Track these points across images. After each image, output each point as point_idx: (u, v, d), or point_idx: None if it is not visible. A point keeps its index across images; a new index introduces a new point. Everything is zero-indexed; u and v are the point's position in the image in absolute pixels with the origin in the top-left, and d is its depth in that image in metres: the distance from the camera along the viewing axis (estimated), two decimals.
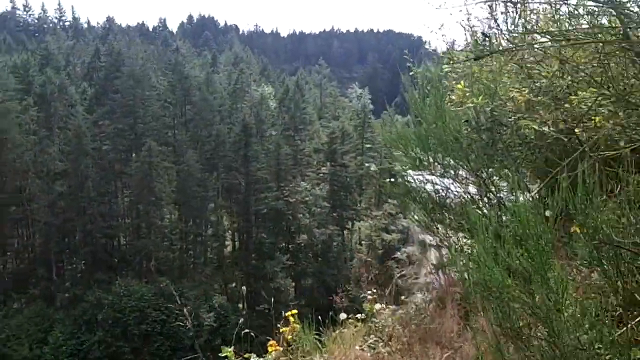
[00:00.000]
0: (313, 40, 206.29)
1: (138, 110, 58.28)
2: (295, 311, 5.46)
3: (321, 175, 67.65)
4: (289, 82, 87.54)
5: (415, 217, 7.13)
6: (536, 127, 4.75)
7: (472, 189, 6.46)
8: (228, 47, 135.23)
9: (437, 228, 6.78)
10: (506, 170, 6.03)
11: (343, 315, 6.07)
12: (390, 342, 5.54)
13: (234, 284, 57.84)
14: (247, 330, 5.74)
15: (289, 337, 5.26)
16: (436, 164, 6.61)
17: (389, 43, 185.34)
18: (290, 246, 60.62)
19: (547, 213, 4.38)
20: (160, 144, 57.23)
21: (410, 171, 7.01)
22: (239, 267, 57.65)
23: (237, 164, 58.90)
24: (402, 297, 7.03)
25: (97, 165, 54.61)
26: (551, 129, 4.72)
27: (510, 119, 5.30)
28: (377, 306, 6.03)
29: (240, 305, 56.17)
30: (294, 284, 57.15)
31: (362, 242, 69.02)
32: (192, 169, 55.24)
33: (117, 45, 77.89)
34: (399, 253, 65.33)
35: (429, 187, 6.89)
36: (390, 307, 6.61)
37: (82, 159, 52.18)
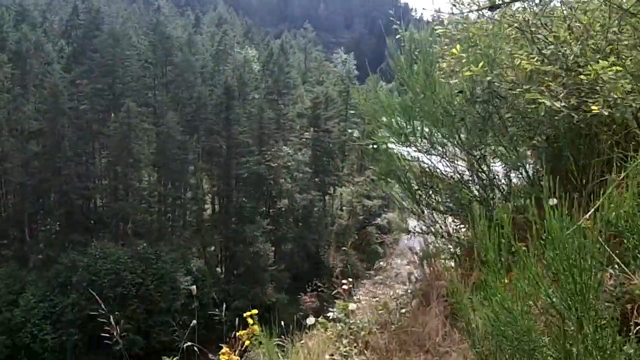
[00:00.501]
0: (299, 2, 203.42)
1: (117, 70, 56.77)
2: (255, 311, 4.70)
3: (304, 140, 66.95)
4: (273, 45, 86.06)
5: (399, 198, 6.47)
6: (547, 102, 3.98)
7: (463, 168, 5.83)
8: (212, 8, 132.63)
9: (423, 211, 6.09)
10: (502, 148, 5.46)
11: (311, 320, 5.23)
12: (366, 351, 4.76)
13: (212, 248, 57.43)
14: (189, 343, 4.97)
15: (247, 342, 4.50)
16: (423, 139, 6.02)
17: (375, 8, 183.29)
18: (270, 211, 60.15)
19: (552, 202, 3.98)
20: (139, 105, 55.94)
21: (393, 146, 6.31)
22: (219, 230, 57.13)
23: (219, 127, 57.91)
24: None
25: (73, 125, 53.29)
26: (562, 104, 4.02)
27: (513, 91, 4.54)
28: (352, 305, 5.16)
29: (219, 269, 55.84)
30: (273, 248, 56.82)
31: (344, 207, 68.85)
32: (172, 131, 54.15)
33: (97, 3, 75.62)
34: (379, 219, 65.27)
35: (414, 165, 6.23)
36: (368, 299, 5.86)
37: (59, 118, 50.85)
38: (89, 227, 51.70)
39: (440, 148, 5.92)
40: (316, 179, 63.95)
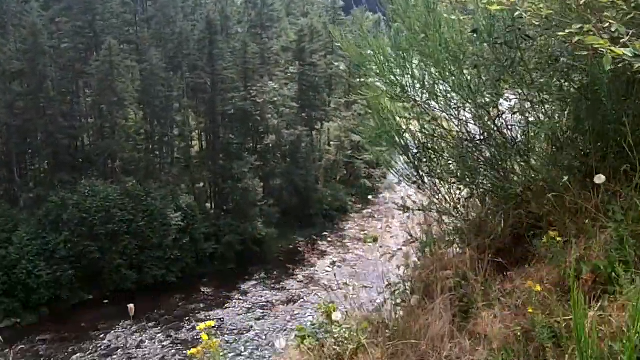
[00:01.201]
0: None
1: (96, 7, 55.50)
2: (211, 322, 3.96)
3: (289, 74, 66.35)
4: None
5: (396, 165, 5.33)
6: (617, 51, 2.81)
7: (472, 126, 4.91)
8: None
9: (423, 181, 5.15)
10: (527, 103, 4.49)
11: (281, 343, 4.37)
12: None
13: (201, 184, 57.82)
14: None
15: None
16: (424, 91, 4.89)
17: None
18: (258, 147, 60.28)
19: (598, 179, 3.62)
20: (121, 42, 55.12)
21: (386, 101, 5.11)
22: (207, 167, 57.38)
23: (202, 63, 57.24)
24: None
25: (56, 64, 52.52)
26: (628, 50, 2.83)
27: (560, 31, 3.38)
28: (337, 315, 4.22)
29: (208, 205, 56.38)
30: (262, 184, 57.24)
31: (331, 142, 69.01)
32: (156, 68, 53.52)
33: None
34: (367, 153, 65.79)
35: (413, 123, 5.11)
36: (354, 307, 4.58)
37: (40, 57, 50.03)
38: (77, 166, 51.74)
39: (444, 102, 4.85)
40: (303, 114, 63.84)
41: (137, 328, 40.15)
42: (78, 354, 36.71)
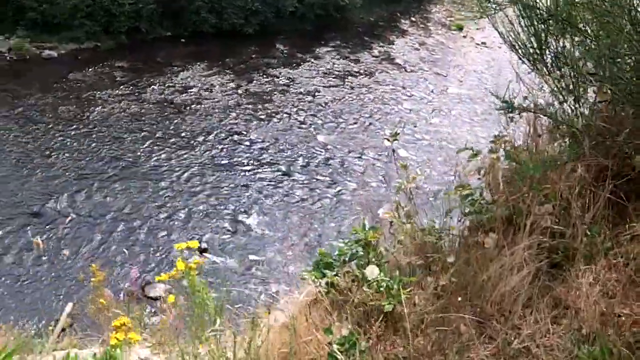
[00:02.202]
0: None
1: None
2: (195, 243, 3.28)
3: None
4: None
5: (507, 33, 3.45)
6: None
7: None
8: None
9: (544, 59, 3.37)
10: None
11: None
12: (381, 336, 2.55)
13: None
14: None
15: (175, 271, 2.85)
16: None
17: None
18: None
19: None
20: None
21: None
22: None
23: None
24: None
25: None
26: None
27: None
28: (373, 270, 2.71)
29: None
30: None
31: None
32: None
33: None
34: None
35: None
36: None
37: None
38: None
39: None
40: None
41: (210, 73, 40.80)
42: (152, 87, 37.95)
